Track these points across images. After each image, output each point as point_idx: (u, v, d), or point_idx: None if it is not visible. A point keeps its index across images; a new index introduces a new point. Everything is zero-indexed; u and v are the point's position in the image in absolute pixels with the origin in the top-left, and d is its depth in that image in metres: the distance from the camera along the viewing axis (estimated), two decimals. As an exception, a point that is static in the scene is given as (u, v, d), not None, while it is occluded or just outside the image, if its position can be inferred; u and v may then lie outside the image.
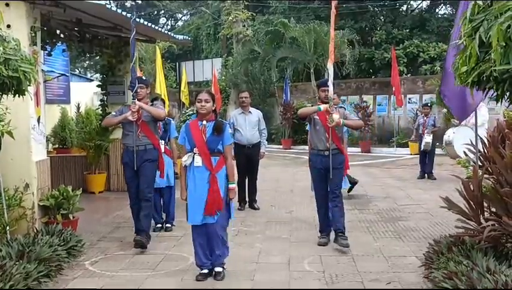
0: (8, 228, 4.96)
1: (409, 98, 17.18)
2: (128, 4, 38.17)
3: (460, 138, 9.40)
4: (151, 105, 5.78)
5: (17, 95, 4.09)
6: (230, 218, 4.60)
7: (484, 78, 3.31)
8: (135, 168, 5.46)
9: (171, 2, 33.95)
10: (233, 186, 4.54)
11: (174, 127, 6.68)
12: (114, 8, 6.09)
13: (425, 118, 10.58)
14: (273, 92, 20.08)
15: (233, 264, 4.94)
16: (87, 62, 36.65)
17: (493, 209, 4.30)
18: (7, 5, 5.28)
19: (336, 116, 5.22)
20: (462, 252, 4.21)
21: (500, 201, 4.10)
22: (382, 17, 24.03)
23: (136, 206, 5.61)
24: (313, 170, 5.68)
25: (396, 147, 15.82)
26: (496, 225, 4.13)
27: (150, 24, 8.04)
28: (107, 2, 5.98)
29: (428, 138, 10.06)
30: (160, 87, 10.47)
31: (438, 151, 10.88)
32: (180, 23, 37.24)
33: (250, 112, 7.73)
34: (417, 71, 20.26)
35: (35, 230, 5.33)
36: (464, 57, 3.52)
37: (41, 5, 5.59)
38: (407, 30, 22.16)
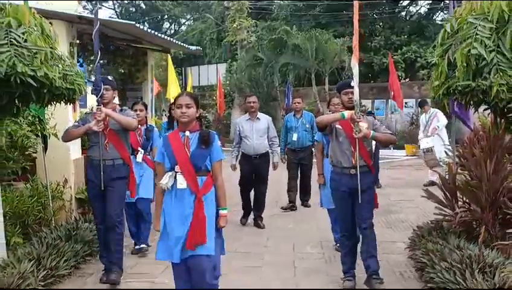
0: (53, 216, 5.80)
1: (406, 103, 17.94)
2: (133, 9, 39.22)
3: (437, 146, 9.72)
4: (120, 111, 4.83)
5: (68, 103, 4.90)
6: (223, 254, 3.73)
7: (451, 91, 4.12)
8: (102, 187, 4.59)
9: (174, 8, 34.82)
10: (226, 212, 3.62)
11: (157, 135, 5.91)
12: (144, 28, 6.93)
13: None
14: (276, 96, 20.89)
15: (245, 247, 5.81)
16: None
17: (465, 199, 5.12)
18: (50, 23, 6.10)
19: (363, 125, 4.23)
20: (440, 235, 5.00)
21: (471, 192, 4.91)
22: (381, 23, 24.85)
23: (103, 226, 4.73)
24: (335, 192, 4.57)
25: (393, 148, 16.61)
26: (467, 212, 4.96)
27: (164, 36, 8.88)
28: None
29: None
30: (173, 92, 11.27)
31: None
32: (183, 27, 38.03)
33: (258, 118, 6.90)
34: (415, 76, 21.09)
35: (73, 219, 6.15)
36: (437, 73, 4.33)
37: (79, 24, 6.42)
38: (406, 36, 22.99)
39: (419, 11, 26.24)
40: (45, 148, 5.90)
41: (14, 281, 4.07)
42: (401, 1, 25.05)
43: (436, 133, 10.01)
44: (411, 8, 26.50)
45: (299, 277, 4.90)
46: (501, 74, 3.76)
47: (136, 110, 5.60)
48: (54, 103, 4.73)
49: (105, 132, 4.62)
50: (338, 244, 5.44)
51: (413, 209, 7.89)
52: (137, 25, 6.72)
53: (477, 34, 3.91)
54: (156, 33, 7.83)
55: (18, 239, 5.00)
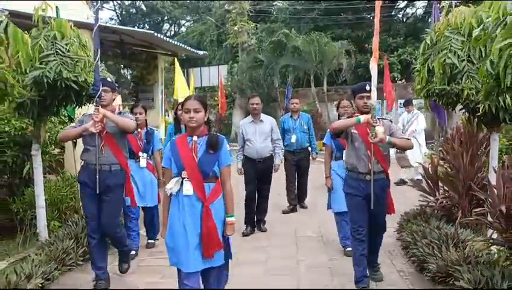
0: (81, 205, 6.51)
1: (400, 103, 18.63)
2: (133, 11, 39.84)
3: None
4: (119, 114, 4.65)
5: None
6: (231, 259, 3.62)
7: (431, 94, 4.87)
8: (97, 192, 4.37)
9: (175, 9, 35.45)
10: (233, 220, 3.50)
11: (158, 139, 5.82)
12: (163, 37, 7.65)
13: None
14: (276, 97, 21.58)
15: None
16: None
17: (445, 188, 5.86)
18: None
19: (380, 130, 4.02)
20: (423, 219, 5.73)
21: (450, 181, 5.65)
22: (378, 25, 25.50)
23: (97, 236, 4.51)
24: (351, 197, 4.40)
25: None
26: (447, 198, 5.70)
27: (172, 41, 9.61)
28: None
29: None
30: (182, 92, 11.96)
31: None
32: (183, 29, 38.65)
33: (261, 120, 6.61)
34: (410, 77, 21.81)
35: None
36: (419, 78, 5.07)
37: (102, 32, 7.11)
38: (401, 38, 23.71)
39: (414, 14, 27.01)
40: (75, 144, 6.60)
41: (59, 256, 4.82)
42: (398, 2, 25.76)
43: (413, 136, 9.76)
44: (407, 10, 27.29)
45: (301, 254, 5.65)
46: (471, 79, 4.55)
47: (135, 114, 5.47)
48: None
49: (101, 135, 4.40)
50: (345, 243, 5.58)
51: (404, 200, 8.54)
52: (156, 34, 7.40)
53: (451, 46, 4.66)
54: (170, 40, 8.55)
55: (56, 223, 5.73)
